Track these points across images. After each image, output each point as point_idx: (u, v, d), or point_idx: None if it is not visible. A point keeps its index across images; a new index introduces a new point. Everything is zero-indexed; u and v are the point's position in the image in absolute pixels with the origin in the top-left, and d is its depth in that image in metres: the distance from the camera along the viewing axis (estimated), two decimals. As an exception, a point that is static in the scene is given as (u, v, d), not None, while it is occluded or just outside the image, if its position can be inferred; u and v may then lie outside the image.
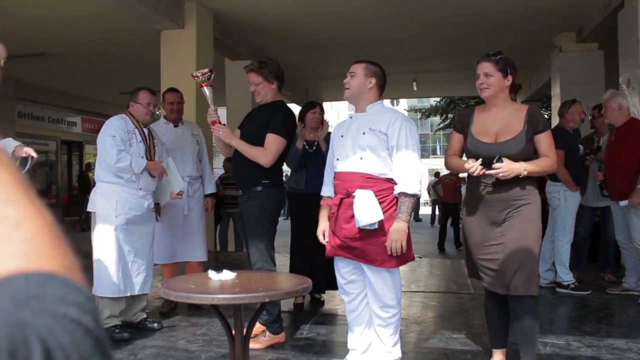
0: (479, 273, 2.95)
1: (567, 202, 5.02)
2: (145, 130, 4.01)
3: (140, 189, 3.85)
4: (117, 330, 3.68)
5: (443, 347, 3.52)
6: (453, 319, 4.23)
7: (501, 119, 2.89)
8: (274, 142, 3.42)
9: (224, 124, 3.50)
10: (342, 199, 2.82)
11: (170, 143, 4.48)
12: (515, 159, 2.77)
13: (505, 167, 2.71)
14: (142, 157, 3.86)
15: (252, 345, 2.92)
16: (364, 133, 2.83)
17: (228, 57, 8.93)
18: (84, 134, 15.09)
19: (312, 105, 4.68)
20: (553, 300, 4.80)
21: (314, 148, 4.52)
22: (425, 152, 49.12)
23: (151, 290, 4.06)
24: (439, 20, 7.73)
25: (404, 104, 32.82)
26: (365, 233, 2.74)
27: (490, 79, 2.88)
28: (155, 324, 3.96)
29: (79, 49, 9.12)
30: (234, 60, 9.05)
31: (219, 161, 12.29)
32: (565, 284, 4.99)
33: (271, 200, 3.51)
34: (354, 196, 2.75)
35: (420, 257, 7.88)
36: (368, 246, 2.76)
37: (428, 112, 20.94)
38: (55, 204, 14.45)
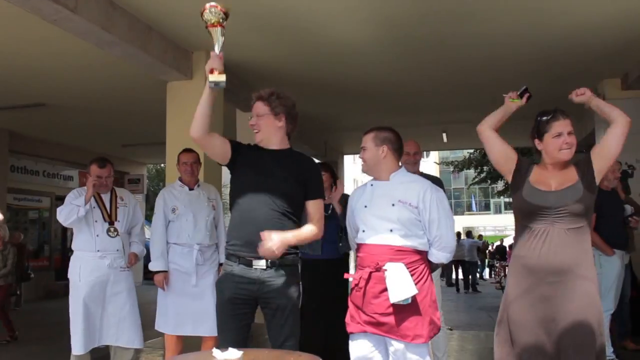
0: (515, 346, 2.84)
1: (602, 268, 5.03)
2: (105, 195, 4.81)
3: (98, 251, 4.62)
4: None
5: None
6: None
7: (558, 173, 2.92)
8: (320, 209, 3.08)
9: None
10: (371, 273, 2.92)
11: (184, 207, 4.67)
12: (576, 209, 2.78)
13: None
14: (97, 224, 4.66)
15: None
16: (393, 205, 2.96)
17: (239, 108, 9.21)
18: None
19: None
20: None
21: (329, 211, 4.65)
22: (460, 208, 48.93)
23: (138, 346, 4.75)
24: (469, 68, 7.91)
25: (434, 155, 32.99)
26: (397, 308, 2.85)
27: (573, 138, 2.90)
28: None
29: (79, 99, 9.50)
30: (246, 111, 9.34)
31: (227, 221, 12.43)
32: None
33: (301, 273, 3.16)
34: (385, 270, 2.87)
35: (450, 329, 7.84)
36: (400, 321, 2.86)
37: (461, 165, 21.08)
38: (47, 267, 14.65)
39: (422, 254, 3.00)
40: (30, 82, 8.56)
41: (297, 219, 3.07)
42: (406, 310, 2.85)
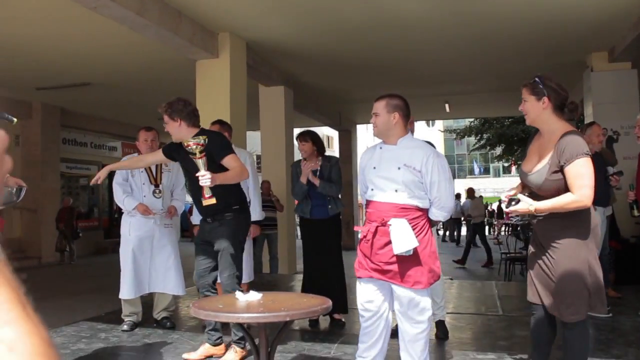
0: (529, 288, 2.98)
1: None
2: None
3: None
4: (125, 327, 4.72)
5: (467, 367, 3.59)
6: (479, 340, 4.29)
7: (543, 145, 2.86)
8: (234, 160, 3.54)
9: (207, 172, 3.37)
10: (377, 227, 2.98)
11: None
12: (543, 190, 2.75)
13: (513, 208, 2.75)
14: (144, 186, 4.83)
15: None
16: (399, 168, 3.00)
17: (261, 83, 9.21)
18: (125, 159, 15.63)
19: (298, 137, 4.86)
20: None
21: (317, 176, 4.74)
22: (462, 172, 48.72)
23: (182, 293, 4.94)
24: (469, 44, 7.83)
25: (439, 124, 32.71)
26: (400, 258, 2.91)
27: (525, 104, 2.86)
28: (168, 323, 4.83)
29: (120, 78, 9.58)
30: (267, 86, 9.34)
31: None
32: None
33: (242, 226, 3.75)
34: (390, 224, 2.92)
35: (451, 279, 7.91)
36: (402, 269, 2.94)
37: (463, 133, 20.91)
38: (96, 226, 14.99)
39: (423, 211, 3.04)
40: (77, 65, 8.64)
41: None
42: (408, 260, 2.91)
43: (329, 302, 2.39)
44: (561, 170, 2.69)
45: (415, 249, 2.90)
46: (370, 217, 3.08)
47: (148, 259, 4.79)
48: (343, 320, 4.84)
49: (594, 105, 8.43)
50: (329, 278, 4.75)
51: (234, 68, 7.17)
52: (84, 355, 4.00)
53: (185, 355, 3.85)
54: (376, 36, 7.37)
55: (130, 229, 4.79)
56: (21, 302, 0.37)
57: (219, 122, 5.05)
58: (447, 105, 12.47)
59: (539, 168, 2.78)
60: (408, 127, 4.37)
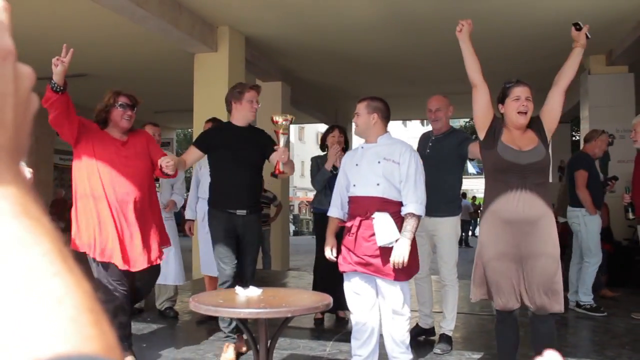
0: (492, 292, 2.94)
1: (587, 226, 5.09)
2: None
3: None
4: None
5: (462, 367, 3.60)
6: (474, 340, 4.31)
7: (522, 136, 2.95)
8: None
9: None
10: (361, 220, 3.06)
11: (204, 168, 4.77)
12: (542, 166, 2.90)
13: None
14: None
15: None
16: (379, 162, 3.11)
17: (259, 78, 9.18)
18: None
19: (331, 129, 4.88)
20: (576, 324, 4.82)
21: (337, 171, 4.67)
22: (456, 171, 48.84)
23: (181, 282, 5.02)
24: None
25: (433, 123, 32.82)
26: (383, 250, 3.01)
27: (530, 103, 2.93)
28: (171, 313, 4.93)
29: (116, 70, 9.52)
30: (265, 81, 9.31)
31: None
32: (582, 304, 5.07)
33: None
34: (373, 218, 3.02)
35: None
36: (385, 262, 3.02)
37: (458, 133, 20.99)
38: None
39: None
40: (74, 55, 8.52)
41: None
42: (390, 253, 2.99)
43: (329, 299, 2.39)
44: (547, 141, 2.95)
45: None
46: (353, 213, 3.17)
47: None
48: (348, 317, 4.82)
49: (590, 108, 8.47)
50: (340, 275, 4.68)
51: (233, 62, 7.15)
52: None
53: None
54: (374, 34, 7.36)
55: None
56: (63, 254, 0.36)
57: (214, 119, 5.06)
58: (443, 105, 12.48)
59: (535, 147, 2.90)
60: (432, 117, 4.36)
